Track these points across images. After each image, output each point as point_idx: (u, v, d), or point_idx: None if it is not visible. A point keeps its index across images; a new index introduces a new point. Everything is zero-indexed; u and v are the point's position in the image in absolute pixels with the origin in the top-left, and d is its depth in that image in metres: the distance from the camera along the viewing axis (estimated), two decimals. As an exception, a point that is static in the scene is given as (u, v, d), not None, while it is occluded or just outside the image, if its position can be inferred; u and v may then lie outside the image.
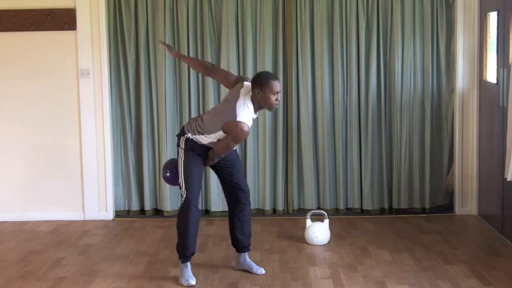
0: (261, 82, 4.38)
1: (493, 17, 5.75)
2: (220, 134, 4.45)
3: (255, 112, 4.45)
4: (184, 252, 4.58)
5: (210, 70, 4.78)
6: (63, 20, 6.00)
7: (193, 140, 4.55)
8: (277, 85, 4.39)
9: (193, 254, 4.63)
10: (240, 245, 4.78)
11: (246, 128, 4.35)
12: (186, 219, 4.52)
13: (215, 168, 4.74)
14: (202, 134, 4.51)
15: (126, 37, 6.13)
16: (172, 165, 4.69)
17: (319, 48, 6.15)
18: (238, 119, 4.34)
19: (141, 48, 6.13)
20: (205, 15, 6.09)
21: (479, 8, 5.95)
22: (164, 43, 5.08)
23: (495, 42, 5.65)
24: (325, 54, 6.15)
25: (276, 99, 4.39)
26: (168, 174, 4.71)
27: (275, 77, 4.45)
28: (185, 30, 6.12)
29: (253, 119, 4.48)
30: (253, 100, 4.42)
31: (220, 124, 4.41)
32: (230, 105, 4.41)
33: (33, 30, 6.02)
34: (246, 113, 4.38)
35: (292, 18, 6.12)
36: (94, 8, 6.00)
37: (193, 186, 4.52)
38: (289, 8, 6.09)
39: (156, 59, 6.15)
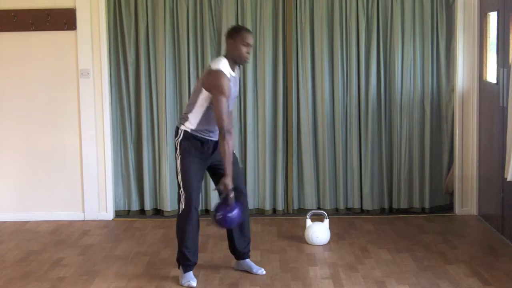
0: (233, 32, 4.46)
1: (493, 17, 5.74)
2: (204, 96, 4.38)
3: (231, 67, 4.42)
4: (185, 262, 4.55)
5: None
6: (63, 20, 6.00)
7: (186, 135, 4.45)
8: (249, 37, 4.43)
9: (195, 263, 4.59)
10: (240, 252, 4.75)
11: (224, 77, 4.32)
12: (185, 228, 4.49)
13: (213, 175, 4.65)
14: (190, 112, 4.45)
15: (126, 37, 6.13)
16: (221, 206, 4.43)
17: (319, 48, 6.15)
18: (213, 68, 4.37)
19: (141, 48, 6.13)
20: (205, 15, 6.09)
21: (479, 8, 5.95)
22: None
23: (495, 42, 5.65)
24: (325, 54, 6.15)
25: (247, 52, 4.43)
26: (220, 217, 4.41)
27: (249, 30, 4.52)
28: (185, 30, 6.12)
29: (234, 78, 4.43)
30: (227, 55, 4.46)
31: (200, 86, 4.40)
32: (205, 69, 4.50)
33: (33, 30, 6.02)
34: (220, 64, 4.38)
35: (292, 18, 6.12)
36: (94, 8, 6.00)
37: (192, 194, 4.45)
38: (289, 8, 6.09)
39: (156, 59, 6.15)
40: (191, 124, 4.47)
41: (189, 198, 4.47)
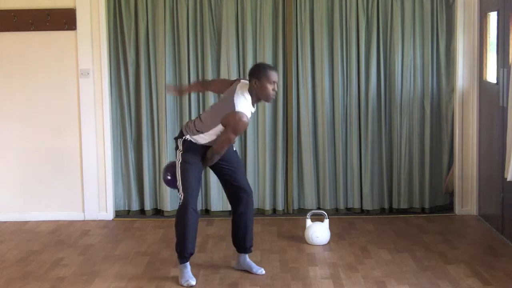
0: (258, 72, 4.42)
1: (493, 17, 5.74)
2: (219, 128, 4.43)
3: (253, 104, 4.45)
4: (182, 253, 4.58)
5: (208, 83, 4.99)
6: (63, 20, 6.00)
7: (191, 141, 4.55)
8: (275, 75, 4.42)
9: (191, 254, 4.62)
10: (243, 246, 4.77)
11: (245, 118, 4.33)
12: (184, 222, 4.51)
13: (217, 171, 4.72)
14: (201, 132, 4.50)
15: (126, 37, 6.13)
16: (172, 168, 4.65)
17: (319, 48, 6.15)
18: (236, 109, 4.34)
19: (141, 48, 6.13)
20: (205, 15, 6.09)
21: (479, 8, 5.95)
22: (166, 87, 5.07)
23: (495, 42, 5.65)
24: (325, 54, 6.15)
25: (273, 89, 4.41)
26: (169, 177, 4.67)
27: (273, 67, 4.50)
28: (185, 30, 6.12)
29: (252, 113, 4.47)
30: (251, 92, 4.44)
31: (219, 118, 4.40)
32: (228, 99, 4.43)
33: (33, 30, 6.02)
34: (244, 104, 4.38)
35: (292, 18, 6.12)
36: (94, 8, 6.00)
37: (191, 188, 4.50)
38: (289, 8, 6.09)
39: (156, 59, 6.15)
40: (201, 139, 4.53)
41: (187, 199, 4.50)
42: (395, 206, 6.32)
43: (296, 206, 6.36)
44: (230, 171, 4.66)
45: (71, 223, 6.13)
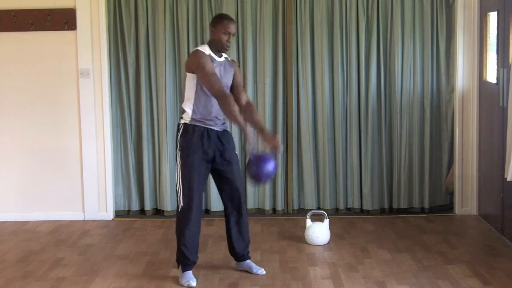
0: (215, 19, 4.51)
1: (493, 17, 5.75)
2: (189, 78, 4.41)
3: (213, 51, 4.45)
4: (184, 261, 4.55)
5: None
6: (63, 20, 6.00)
7: (186, 127, 4.45)
8: (231, 26, 4.45)
9: (194, 263, 4.59)
10: (239, 254, 4.74)
11: (199, 51, 4.37)
12: (183, 227, 4.49)
13: (216, 174, 4.61)
14: (182, 102, 4.49)
15: (126, 37, 6.14)
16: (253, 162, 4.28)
17: (319, 48, 6.15)
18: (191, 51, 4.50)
19: (141, 48, 6.13)
20: (205, 15, 6.10)
21: (479, 8, 5.95)
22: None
23: (495, 42, 5.65)
24: (325, 54, 6.15)
25: (227, 40, 4.45)
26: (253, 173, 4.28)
27: (231, 19, 4.51)
28: (185, 30, 6.12)
29: (217, 62, 4.45)
30: (209, 43, 4.50)
31: (185, 72, 4.47)
32: None
33: (33, 30, 6.02)
34: (200, 47, 4.45)
35: (292, 18, 6.12)
36: (94, 8, 6.01)
37: (191, 193, 4.44)
38: (289, 8, 6.10)
39: (156, 59, 6.15)
40: (187, 114, 4.47)
41: (189, 196, 4.44)
42: (395, 206, 6.32)
43: (296, 206, 6.36)
44: (228, 174, 4.57)
45: (71, 223, 6.13)
